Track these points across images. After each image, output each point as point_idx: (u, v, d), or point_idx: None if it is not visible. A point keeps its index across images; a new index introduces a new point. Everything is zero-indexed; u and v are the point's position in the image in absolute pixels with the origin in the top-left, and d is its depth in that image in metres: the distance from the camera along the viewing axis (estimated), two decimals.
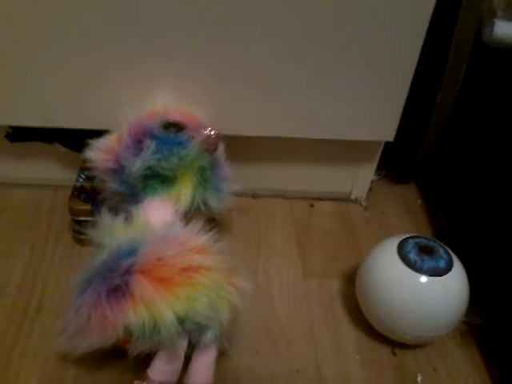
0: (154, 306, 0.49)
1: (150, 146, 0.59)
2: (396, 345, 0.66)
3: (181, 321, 0.51)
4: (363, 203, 0.88)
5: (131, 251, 0.53)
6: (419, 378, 0.64)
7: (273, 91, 0.70)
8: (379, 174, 0.92)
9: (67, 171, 0.82)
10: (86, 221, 0.72)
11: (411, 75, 0.69)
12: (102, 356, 0.60)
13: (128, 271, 0.51)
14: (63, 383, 0.59)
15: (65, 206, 0.75)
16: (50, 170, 0.83)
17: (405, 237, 0.65)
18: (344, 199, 0.89)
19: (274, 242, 0.80)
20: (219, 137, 0.62)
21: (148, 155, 0.59)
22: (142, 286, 0.50)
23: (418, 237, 0.65)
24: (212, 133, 0.61)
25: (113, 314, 0.49)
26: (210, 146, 0.61)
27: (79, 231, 0.73)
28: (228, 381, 0.61)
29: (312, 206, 0.88)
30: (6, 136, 0.77)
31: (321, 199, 0.89)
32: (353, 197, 0.89)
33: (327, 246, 0.81)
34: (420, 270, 0.61)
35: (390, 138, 0.76)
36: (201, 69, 0.68)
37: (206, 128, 0.61)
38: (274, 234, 0.82)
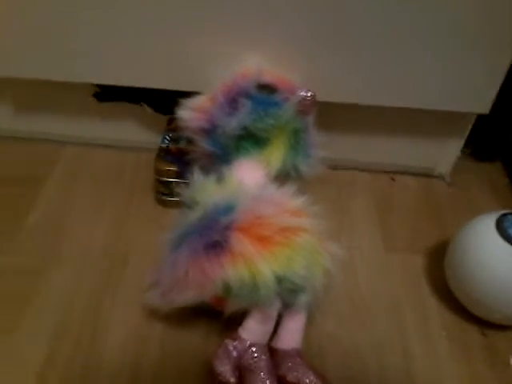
0: (253, 264, 0.49)
1: (246, 104, 0.58)
2: (485, 325, 0.63)
3: (279, 280, 0.50)
4: (447, 179, 0.85)
5: (228, 209, 0.52)
6: (511, 361, 0.61)
7: (366, 56, 0.68)
8: (464, 151, 0.88)
9: (152, 134, 0.83)
10: (171, 182, 0.71)
11: None
12: (187, 316, 0.61)
13: (227, 228, 0.50)
14: (149, 341, 0.60)
15: (148, 167, 0.76)
16: (135, 132, 0.83)
17: (504, 212, 0.62)
18: (427, 174, 0.86)
19: (356, 215, 0.78)
20: (315, 99, 0.60)
21: (244, 115, 0.58)
22: (241, 243, 0.49)
23: None
24: (308, 94, 0.59)
25: (212, 269, 0.49)
26: (305, 107, 0.60)
27: (163, 192, 0.73)
28: (312, 347, 0.60)
29: (393, 179, 0.85)
30: (94, 95, 0.78)
31: (402, 173, 0.86)
32: (436, 172, 0.85)
33: (410, 221, 0.78)
34: None
35: (485, 110, 0.72)
36: (296, 32, 0.66)
37: (301, 89, 0.60)
38: (355, 207, 0.80)
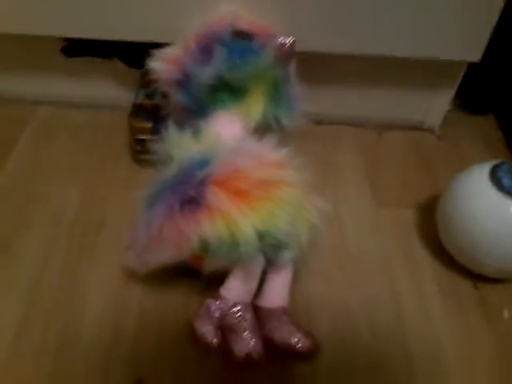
0: (232, 219, 0.46)
1: (221, 52, 0.54)
2: (478, 278, 0.62)
3: (260, 236, 0.47)
4: (437, 132, 0.82)
5: (204, 162, 0.49)
6: (505, 314, 0.59)
7: (349, 2, 0.64)
8: (455, 104, 0.84)
9: (124, 90, 0.79)
10: (146, 139, 0.68)
11: None
12: (166, 277, 0.59)
13: (202, 182, 0.47)
14: (128, 302, 0.58)
15: (122, 126, 0.72)
16: (108, 89, 0.80)
17: (497, 162, 0.59)
18: (416, 128, 0.83)
19: (342, 170, 0.76)
20: (294, 45, 0.56)
21: (218, 63, 0.54)
22: (218, 198, 0.46)
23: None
24: (287, 40, 0.55)
25: (188, 226, 0.46)
26: (284, 55, 0.56)
27: (139, 150, 0.70)
28: (299, 305, 0.57)
29: (380, 134, 0.82)
30: (62, 50, 0.74)
31: (390, 127, 0.82)
32: (426, 126, 0.82)
33: (399, 175, 0.75)
34: None
35: (476, 58, 0.69)
36: None
37: (280, 35, 0.56)
38: (341, 162, 0.77)
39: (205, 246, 0.47)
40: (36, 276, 0.60)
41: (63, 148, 0.75)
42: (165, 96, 0.62)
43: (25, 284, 0.59)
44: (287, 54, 0.57)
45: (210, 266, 0.49)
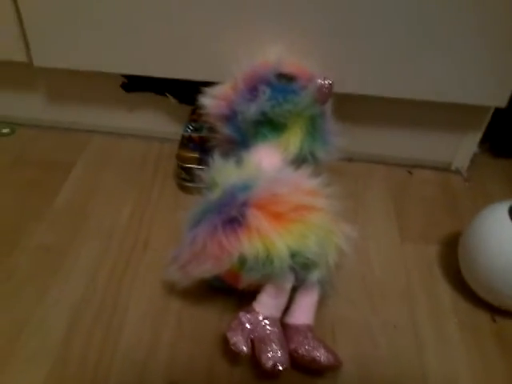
0: (268, 238, 0.51)
1: (266, 91, 0.60)
2: (496, 311, 0.64)
3: (292, 255, 0.52)
4: (464, 174, 0.86)
5: (246, 187, 0.55)
6: None
7: (385, 48, 0.70)
8: (482, 147, 0.88)
9: (174, 124, 0.86)
10: (192, 168, 0.74)
11: None
12: (204, 294, 0.64)
13: (244, 204, 0.53)
14: (167, 314, 0.63)
15: (171, 156, 0.79)
16: (160, 122, 0.87)
17: None
18: (444, 169, 0.87)
19: (371, 206, 0.80)
20: (332, 87, 0.62)
21: (263, 101, 0.60)
22: (257, 218, 0.52)
23: None
24: (326, 82, 0.61)
25: (228, 243, 0.51)
26: (322, 95, 0.62)
27: (185, 178, 0.76)
28: (324, 326, 0.62)
29: (410, 172, 0.86)
30: (122, 86, 0.82)
31: (419, 167, 0.87)
32: (453, 167, 0.86)
33: (426, 213, 0.79)
34: None
35: (502, 103, 0.74)
36: (315, 23, 0.68)
37: (320, 77, 0.62)
38: (370, 198, 0.81)
39: (242, 262, 0.52)
40: (83, 287, 0.65)
41: (115, 174, 0.82)
42: (212, 129, 0.69)
43: (74, 293, 0.64)
44: (325, 95, 0.62)
45: (245, 281, 0.54)
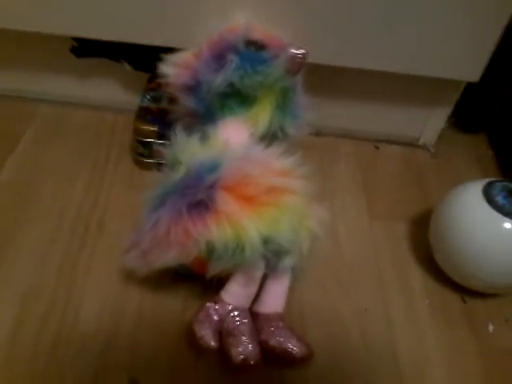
0: (238, 224, 0.47)
1: (234, 60, 0.55)
2: (466, 292, 0.64)
3: (264, 241, 0.48)
4: (431, 150, 0.84)
5: (213, 167, 0.50)
6: (490, 328, 0.61)
7: (357, 19, 0.66)
8: (448, 121, 0.87)
9: (130, 94, 0.80)
10: (151, 143, 0.69)
11: (509, 14, 0.64)
12: (165, 280, 0.60)
13: (212, 186, 0.48)
14: (126, 302, 0.59)
15: (126, 128, 0.74)
16: (114, 91, 0.81)
17: (490, 180, 0.61)
18: (411, 144, 0.85)
19: (338, 182, 0.77)
20: (306, 57, 0.57)
21: (231, 71, 0.55)
22: (227, 202, 0.47)
23: (506, 180, 0.61)
24: (299, 52, 0.57)
25: (195, 229, 0.47)
26: (295, 66, 0.58)
27: (143, 153, 0.71)
28: (293, 313, 0.59)
29: (377, 147, 0.84)
30: (72, 50, 0.74)
31: (387, 142, 0.85)
32: (421, 142, 0.85)
33: (393, 189, 0.77)
34: (508, 214, 0.57)
35: (475, 78, 0.71)
36: None
37: (292, 46, 0.57)
38: (338, 173, 0.78)
39: (211, 249, 0.48)
40: (34, 273, 0.60)
41: (66, 147, 0.76)
42: (173, 101, 0.63)
43: (23, 280, 0.59)
44: (298, 65, 0.58)
45: (213, 269, 0.49)
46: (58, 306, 0.57)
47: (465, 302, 0.64)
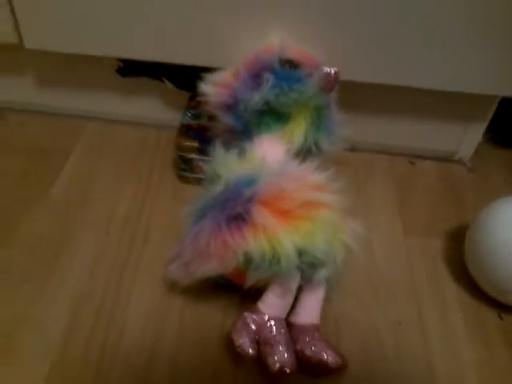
0: (274, 236, 0.49)
1: (270, 79, 0.58)
2: (503, 308, 0.63)
3: (299, 253, 0.50)
4: (468, 164, 0.84)
5: (251, 182, 0.52)
6: None
7: (391, 36, 0.67)
8: (485, 137, 0.86)
9: (172, 111, 0.83)
10: (192, 158, 0.72)
11: None
12: (207, 291, 0.61)
13: (249, 200, 0.51)
14: (169, 312, 0.61)
15: (168, 144, 0.77)
16: (157, 109, 0.84)
17: None
18: (447, 159, 0.85)
19: (373, 197, 0.78)
20: (338, 75, 0.59)
21: (267, 89, 0.58)
22: (263, 215, 0.49)
23: None
24: (332, 70, 0.59)
25: (233, 241, 0.49)
26: (328, 84, 0.59)
27: (184, 168, 0.73)
28: (328, 324, 0.60)
29: (412, 163, 0.84)
30: (117, 70, 0.78)
31: (422, 157, 0.85)
32: (457, 157, 0.85)
33: (429, 205, 0.77)
34: None
35: (509, 93, 0.71)
36: (321, 8, 0.65)
37: (325, 65, 0.59)
38: (372, 189, 0.79)
39: (248, 260, 0.50)
40: (81, 281, 0.63)
41: (112, 162, 0.79)
42: (212, 118, 0.66)
43: (72, 287, 0.62)
44: (331, 83, 0.60)
45: (250, 280, 0.51)
46: (105, 315, 0.59)
47: (501, 318, 0.63)
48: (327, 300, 0.59)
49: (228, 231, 0.49)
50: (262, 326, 0.52)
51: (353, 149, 0.84)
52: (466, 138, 0.83)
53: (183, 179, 0.75)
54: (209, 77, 0.62)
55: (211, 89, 0.62)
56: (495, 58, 0.68)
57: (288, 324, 0.55)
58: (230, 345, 0.54)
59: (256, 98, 0.58)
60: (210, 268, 0.51)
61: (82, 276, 0.63)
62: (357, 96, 0.75)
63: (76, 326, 0.58)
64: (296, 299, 0.56)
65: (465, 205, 0.78)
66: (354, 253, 0.55)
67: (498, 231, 0.60)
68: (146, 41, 0.71)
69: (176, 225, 0.56)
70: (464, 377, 0.57)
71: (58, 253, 0.65)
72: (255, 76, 0.59)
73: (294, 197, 0.51)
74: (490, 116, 0.79)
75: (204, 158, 0.69)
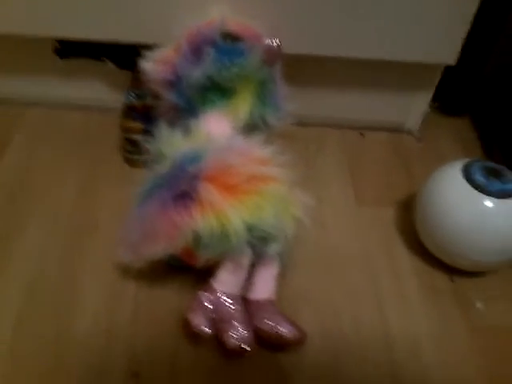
0: (222, 212, 0.48)
1: (211, 53, 0.56)
2: (454, 271, 0.65)
3: (248, 228, 0.49)
4: (416, 134, 0.85)
5: (196, 159, 0.51)
6: (478, 305, 0.62)
7: (333, 6, 0.66)
8: (432, 106, 0.88)
9: (115, 92, 0.80)
10: (138, 139, 0.70)
11: None
12: (159, 273, 0.61)
13: (195, 177, 0.49)
14: (124, 297, 0.60)
15: (113, 126, 0.74)
16: (99, 91, 0.81)
17: (469, 160, 0.62)
18: (396, 130, 0.86)
19: (325, 170, 0.78)
20: (281, 48, 0.59)
21: (208, 64, 0.56)
22: (210, 192, 0.49)
23: (484, 160, 0.62)
24: (274, 43, 0.58)
25: (181, 219, 0.48)
26: (271, 57, 0.59)
27: (130, 150, 0.71)
28: (285, 300, 0.60)
29: (362, 134, 0.85)
30: (55, 51, 0.75)
31: (372, 129, 0.85)
32: (406, 128, 0.86)
33: (380, 175, 0.78)
34: (486, 192, 0.58)
35: (451, 61, 0.72)
36: None
37: (267, 38, 0.58)
38: (323, 162, 0.79)
39: (197, 239, 0.49)
40: (33, 272, 0.61)
41: (56, 149, 0.76)
42: (156, 97, 0.64)
43: (22, 279, 0.60)
44: (274, 56, 0.59)
45: (201, 259, 0.51)
46: (57, 305, 0.58)
47: (453, 281, 0.65)
48: (282, 276, 0.59)
49: (175, 210, 0.49)
50: (216, 303, 0.52)
51: (302, 124, 0.83)
52: (413, 108, 0.84)
53: (131, 162, 0.73)
54: (149, 54, 0.60)
55: (152, 66, 0.60)
56: (436, 26, 0.69)
57: (244, 301, 0.54)
58: (186, 325, 0.53)
59: (197, 73, 0.57)
60: (158, 249, 0.50)
61: (31, 268, 0.61)
62: (303, 70, 0.75)
63: (27, 320, 0.57)
64: (250, 276, 0.55)
65: (415, 174, 0.79)
66: (306, 226, 0.55)
67: (443, 196, 0.61)
68: (82, 19, 0.68)
69: (125, 209, 0.54)
70: (419, 338, 0.59)
71: (4, 248, 0.63)
72: (196, 51, 0.58)
73: (240, 172, 0.50)
74: (434, 85, 0.80)
75: (150, 138, 0.67)
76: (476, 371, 0.56)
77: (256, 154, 0.53)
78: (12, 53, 0.77)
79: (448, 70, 0.77)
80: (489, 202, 0.58)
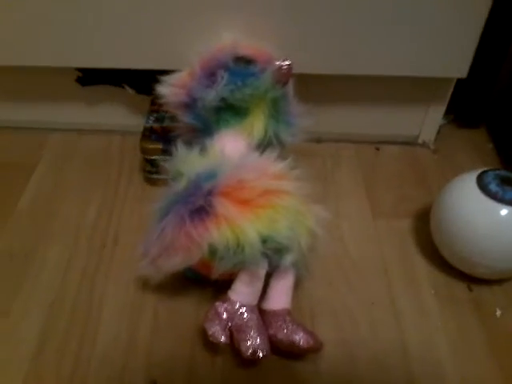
0: (237, 225, 0.50)
1: (224, 76, 0.59)
2: (472, 280, 0.65)
3: (263, 240, 0.51)
4: (431, 146, 0.86)
5: (211, 176, 0.53)
6: (498, 313, 0.62)
7: (341, 26, 0.68)
8: (447, 119, 0.89)
9: (135, 116, 0.84)
10: (157, 160, 0.73)
11: (489, 5, 0.66)
12: (178, 286, 0.63)
13: (210, 193, 0.51)
14: (143, 309, 0.62)
15: (134, 149, 0.78)
16: (120, 115, 0.85)
17: (484, 169, 0.63)
18: (411, 143, 0.87)
19: (341, 185, 0.79)
20: (292, 68, 0.61)
21: (222, 86, 0.59)
22: (224, 206, 0.50)
23: (498, 169, 0.63)
24: (285, 63, 0.60)
25: (197, 233, 0.50)
26: (282, 76, 0.61)
27: (150, 170, 0.74)
28: (303, 309, 0.61)
29: (378, 149, 0.86)
30: (77, 80, 0.79)
31: (387, 143, 0.87)
32: (420, 140, 0.86)
33: (396, 188, 0.79)
34: (501, 201, 0.59)
35: (463, 74, 0.73)
36: (267, 3, 0.67)
37: (278, 59, 0.60)
38: (340, 177, 0.81)
39: (213, 251, 0.51)
40: (57, 287, 0.64)
41: (78, 172, 0.80)
42: (173, 119, 0.67)
43: (43, 296, 0.63)
44: (285, 76, 0.61)
45: (217, 271, 0.52)
46: (79, 319, 0.60)
47: (471, 290, 0.65)
48: (300, 288, 0.61)
49: (191, 224, 0.50)
50: (233, 313, 0.53)
51: (319, 140, 0.86)
52: (427, 121, 0.84)
53: (151, 181, 0.76)
54: (165, 79, 0.63)
55: (168, 90, 0.63)
56: (446, 42, 0.70)
57: (260, 311, 0.56)
58: (203, 335, 0.55)
59: (211, 95, 0.59)
60: (176, 262, 0.52)
61: (52, 284, 0.64)
62: (317, 87, 0.77)
63: (49, 335, 0.59)
64: (267, 286, 0.56)
65: (430, 185, 0.79)
66: (321, 238, 0.56)
67: (458, 206, 0.62)
68: (102, 49, 0.72)
69: (145, 225, 0.57)
70: (437, 350, 0.59)
71: (27, 265, 0.66)
72: (210, 75, 0.60)
73: (254, 186, 0.52)
74: (447, 98, 0.81)
75: (168, 158, 0.70)
76: (496, 382, 0.56)
77: (269, 169, 0.55)
78: (37, 82, 0.82)
79: (461, 81, 0.77)
80: (504, 211, 0.58)
